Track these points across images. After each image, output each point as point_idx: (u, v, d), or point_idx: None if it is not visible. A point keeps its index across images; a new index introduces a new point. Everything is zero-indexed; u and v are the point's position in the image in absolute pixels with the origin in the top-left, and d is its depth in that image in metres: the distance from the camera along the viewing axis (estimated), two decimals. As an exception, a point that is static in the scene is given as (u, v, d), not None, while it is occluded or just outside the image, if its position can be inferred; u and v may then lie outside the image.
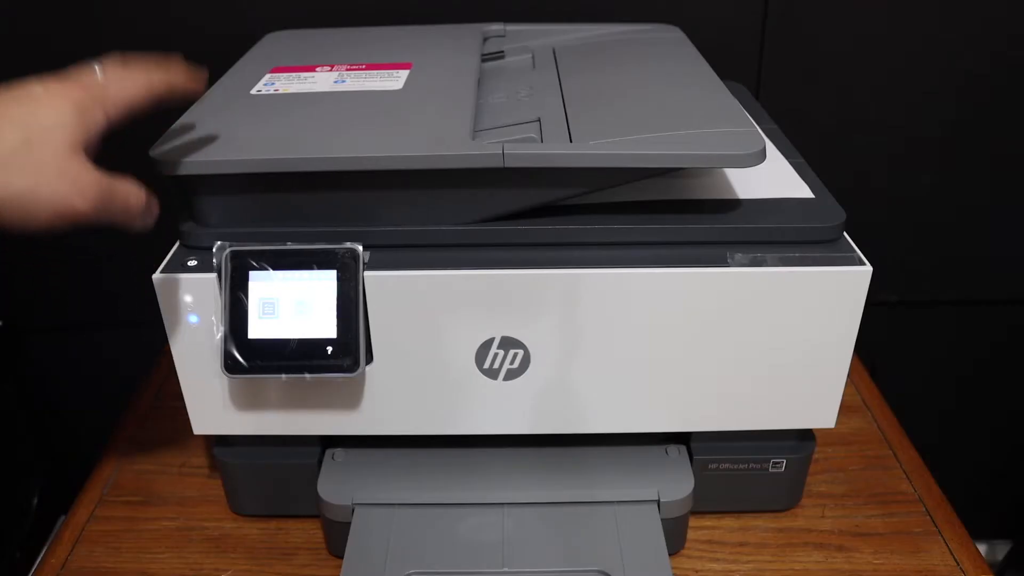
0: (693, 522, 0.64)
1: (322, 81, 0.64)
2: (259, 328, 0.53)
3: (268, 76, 0.65)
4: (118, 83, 0.47)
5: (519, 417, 0.59)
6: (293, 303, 0.53)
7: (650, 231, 0.55)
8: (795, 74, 0.94)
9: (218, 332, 0.54)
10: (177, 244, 0.56)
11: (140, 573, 0.63)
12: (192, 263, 0.54)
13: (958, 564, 0.62)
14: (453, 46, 0.72)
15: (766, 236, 0.55)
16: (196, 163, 0.52)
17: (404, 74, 0.64)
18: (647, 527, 0.59)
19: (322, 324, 0.53)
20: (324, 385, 0.57)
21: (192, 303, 0.54)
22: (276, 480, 0.64)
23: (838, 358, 0.56)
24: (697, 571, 0.62)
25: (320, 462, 0.63)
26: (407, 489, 0.61)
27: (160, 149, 0.53)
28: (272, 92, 0.62)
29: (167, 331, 0.55)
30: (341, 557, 0.58)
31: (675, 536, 0.62)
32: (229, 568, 0.63)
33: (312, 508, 0.62)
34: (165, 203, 0.56)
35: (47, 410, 1.17)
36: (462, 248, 0.55)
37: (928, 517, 0.66)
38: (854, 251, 0.55)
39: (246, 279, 0.53)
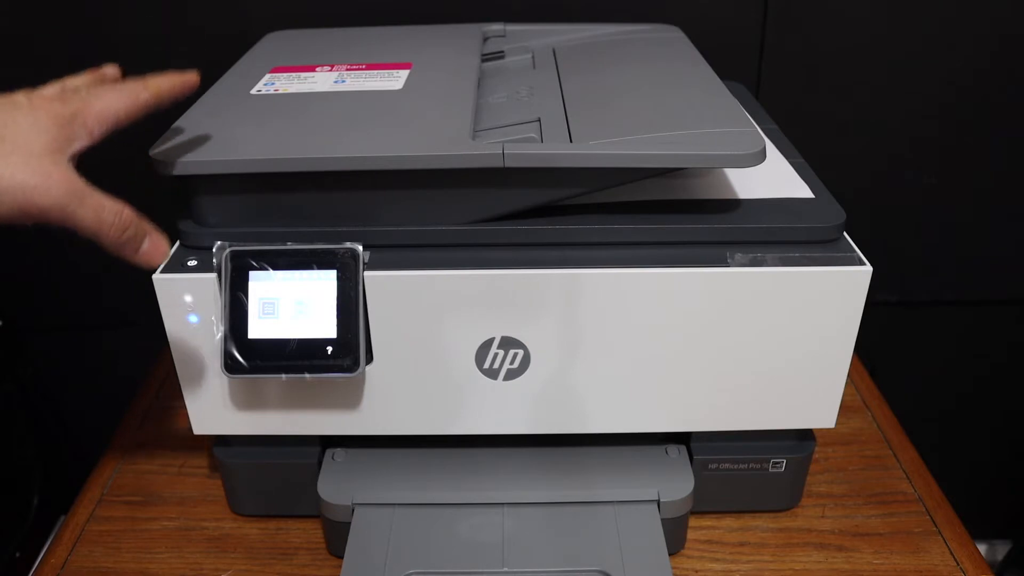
0: (693, 522, 0.64)
1: (322, 81, 0.64)
2: (259, 328, 0.53)
3: (268, 76, 0.65)
4: (101, 100, 0.47)
5: (519, 417, 0.59)
6: (293, 303, 0.53)
7: (650, 231, 0.55)
8: (795, 74, 0.94)
9: (218, 332, 0.54)
10: (177, 244, 0.56)
11: (140, 573, 0.63)
12: (192, 263, 0.54)
13: (958, 564, 0.62)
14: (453, 46, 0.72)
15: (766, 236, 0.55)
16: (196, 163, 0.52)
17: (404, 74, 0.64)
18: (647, 527, 0.59)
19: (322, 324, 0.53)
20: (324, 385, 0.57)
21: (192, 303, 0.54)
22: (276, 480, 0.64)
23: (838, 358, 0.56)
24: (697, 571, 0.62)
25: (320, 462, 0.63)
26: (407, 489, 0.61)
27: (160, 149, 0.53)
28: (272, 92, 0.62)
29: (167, 331, 0.55)
30: (341, 557, 0.58)
31: (675, 536, 0.62)
32: (229, 568, 0.63)
33: (312, 508, 0.62)
34: (165, 203, 0.56)
35: (47, 410, 1.17)
36: (462, 248, 0.55)
37: (928, 517, 0.66)
38: (854, 251, 0.55)
39: (246, 279, 0.53)
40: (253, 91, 0.63)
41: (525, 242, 0.55)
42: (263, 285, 0.53)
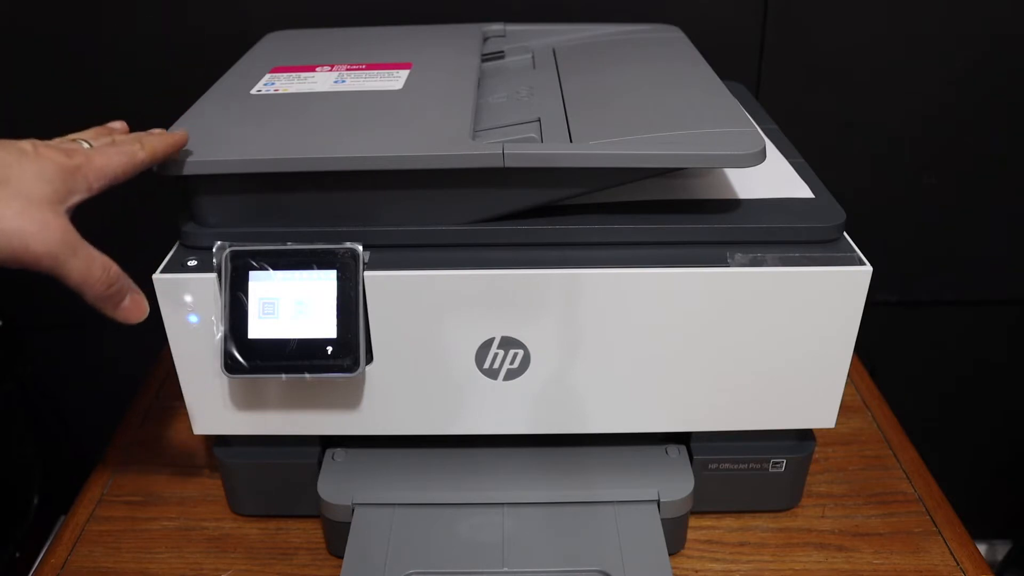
0: (693, 522, 0.64)
1: (322, 81, 0.64)
2: (259, 328, 0.53)
3: (268, 76, 0.65)
4: (103, 156, 0.47)
5: (519, 417, 0.59)
6: (293, 303, 0.53)
7: (650, 231, 0.55)
8: (795, 74, 0.94)
9: (218, 332, 0.54)
10: (177, 244, 0.56)
11: (140, 573, 0.63)
12: (192, 263, 0.54)
13: (958, 564, 0.62)
14: (453, 46, 0.72)
15: (766, 236, 0.55)
16: (196, 163, 0.52)
17: (404, 74, 0.64)
18: (647, 527, 0.59)
19: (322, 324, 0.53)
20: (324, 385, 0.57)
21: (192, 303, 0.54)
22: (276, 480, 0.64)
23: (838, 358, 0.56)
24: (697, 571, 0.62)
25: (320, 462, 0.63)
26: (407, 489, 0.61)
27: (160, 149, 0.53)
28: (272, 92, 0.62)
29: (167, 331, 0.55)
30: (341, 557, 0.58)
31: (675, 536, 0.62)
32: (229, 568, 0.63)
33: (312, 508, 0.62)
34: (165, 203, 0.56)
35: (47, 410, 1.17)
36: (462, 248, 0.55)
37: (928, 517, 0.66)
38: (854, 251, 0.55)
39: (246, 279, 0.53)
40: (253, 91, 0.63)
41: (525, 242, 0.55)
42: (263, 285, 0.53)
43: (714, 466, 0.63)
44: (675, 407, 0.58)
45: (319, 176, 0.53)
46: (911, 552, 0.63)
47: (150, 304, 0.53)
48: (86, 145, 0.48)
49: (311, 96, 0.61)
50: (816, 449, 0.64)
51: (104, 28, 0.90)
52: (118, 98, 0.93)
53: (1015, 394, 1.17)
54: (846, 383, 0.58)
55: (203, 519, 0.67)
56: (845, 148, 0.98)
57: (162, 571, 0.63)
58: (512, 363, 0.56)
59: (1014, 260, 1.06)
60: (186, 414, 0.58)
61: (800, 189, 0.60)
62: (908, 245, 1.05)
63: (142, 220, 0.83)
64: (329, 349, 0.53)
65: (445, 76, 0.65)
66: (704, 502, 0.64)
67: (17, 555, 1.08)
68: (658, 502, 0.60)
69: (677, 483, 0.61)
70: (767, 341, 0.55)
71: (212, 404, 0.58)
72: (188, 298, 0.54)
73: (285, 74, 0.66)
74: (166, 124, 0.56)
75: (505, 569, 0.56)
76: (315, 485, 0.61)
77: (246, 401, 0.58)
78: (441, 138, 0.54)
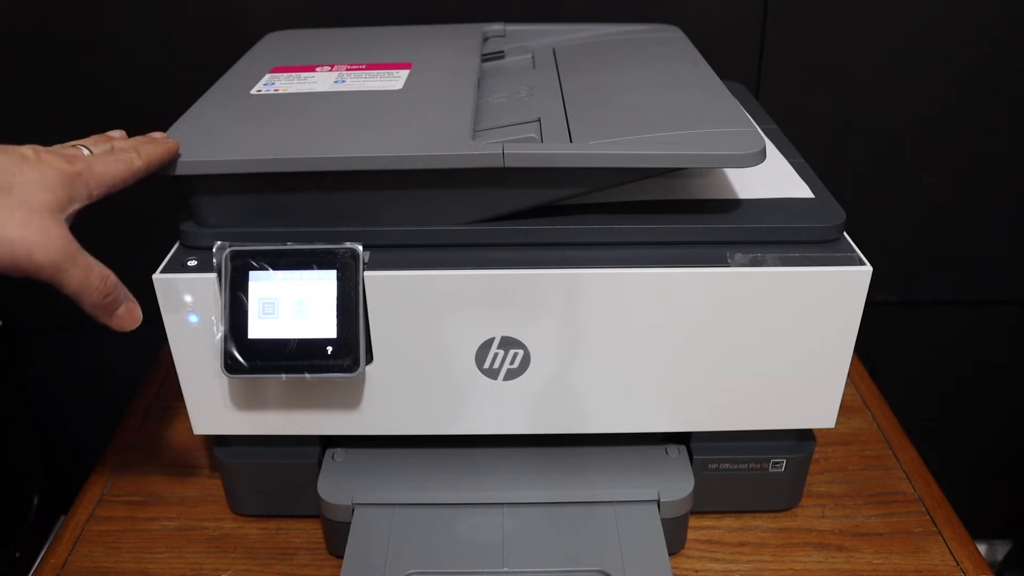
0: (693, 522, 0.64)
1: (322, 81, 0.64)
2: (259, 328, 0.53)
3: (268, 76, 0.65)
4: (103, 164, 0.48)
5: (519, 417, 0.59)
6: (293, 303, 0.53)
7: (650, 231, 0.55)
8: (795, 74, 0.94)
9: (218, 332, 0.54)
10: (177, 244, 0.56)
11: (140, 573, 0.63)
12: (192, 263, 0.54)
13: (958, 564, 0.62)
14: (453, 46, 0.72)
15: (766, 236, 0.55)
16: (196, 163, 0.52)
17: (404, 74, 0.64)
18: (647, 527, 0.59)
19: (322, 324, 0.53)
20: (324, 385, 0.57)
21: (192, 303, 0.54)
22: (276, 480, 0.64)
23: (838, 358, 0.56)
24: (697, 571, 0.62)
25: (320, 462, 0.63)
26: (407, 489, 0.61)
27: (160, 149, 0.53)
28: (272, 92, 0.62)
29: (167, 331, 0.55)
30: (341, 557, 0.58)
31: (675, 536, 0.62)
32: (229, 568, 0.63)
33: (312, 508, 0.62)
34: (165, 203, 0.56)
35: (47, 410, 1.17)
36: (462, 248, 0.55)
37: (928, 517, 0.66)
38: (854, 251, 0.55)
39: (246, 279, 0.53)
40: (253, 91, 0.63)
41: (525, 242, 0.55)
42: (263, 285, 0.53)
43: (714, 466, 0.63)
44: (675, 407, 0.58)
45: (319, 176, 0.53)
46: (911, 552, 0.63)
47: (151, 304, 0.54)
48: (86, 152, 0.48)
49: (311, 96, 0.61)
50: (816, 449, 0.64)
51: (104, 28, 0.90)
52: (118, 98, 0.93)
53: (1015, 394, 1.17)
54: (846, 383, 0.58)
55: (203, 519, 0.67)
56: (845, 148, 0.98)
57: (162, 571, 0.63)
58: (512, 363, 0.56)
59: (1014, 260, 1.07)
60: (186, 414, 0.58)
61: (800, 189, 0.60)
62: (908, 245, 1.05)
63: (142, 220, 0.83)
64: (329, 349, 0.53)
65: (445, 76, 0.65)
66: (704, 502, 0.64)
67: (17, 555, 1.08)
68: (658, 502, 0.60)
69: (677, 483, 0.61)
70: (767, 341, 0.55)
71: (212, 404, 0.58)
72: (188, 298, 0.54)
73: (285, 74, 0.66)
74: (166, 124, 0.56)
75: (505, 569, 0.56)
76: (315, 485, 0.61)
77: (246, 401, 0.58)
78: (441, 138, 0.54)
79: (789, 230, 0.55)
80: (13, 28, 0.89)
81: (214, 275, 0.53)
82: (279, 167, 0.52)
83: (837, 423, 0.59)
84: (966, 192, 1.02)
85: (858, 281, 0.53)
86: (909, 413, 0.84)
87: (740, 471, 0.63)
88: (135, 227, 0.81)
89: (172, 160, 0.52)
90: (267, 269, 0.53)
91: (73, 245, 0.45)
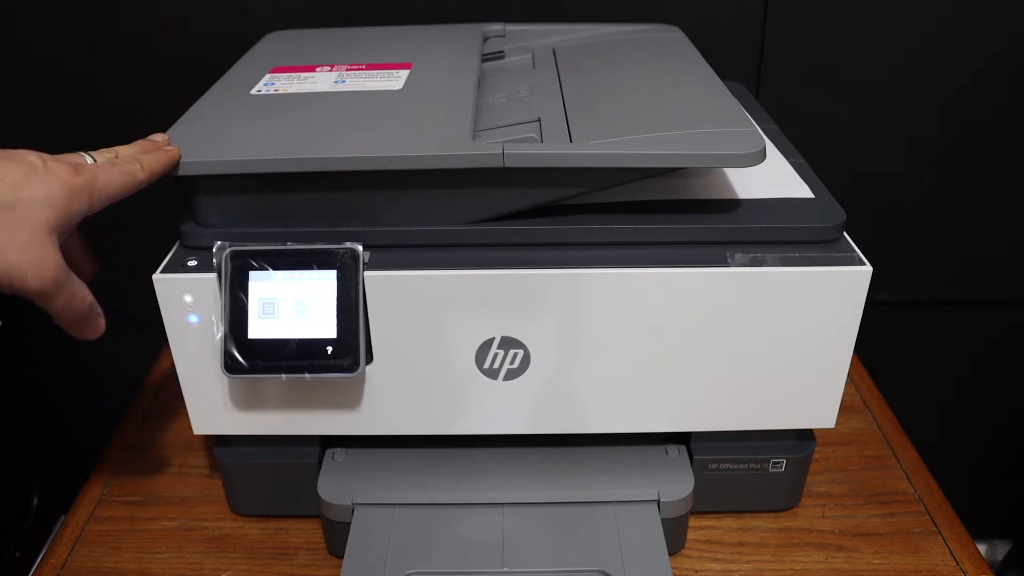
0: (693, 522, 0.64)
1: (322, 81, 0.64)
2: (259, 328, 0.53)
3: (268, 76, 0.65)
4: (107, 175, 0.48)
5: (519, 417, 0.59)
6: (293, 303, 0.53)
7: (650, 231, 0.55)
8: (795, 74, 0.94)
9: (218, 332, 0.54)
10: (177, 244, 0.56)
11: (140, 573, 0.63)
12: (192, 263, 0.54)
13: (958, 564, 0.62)
14: (453, 46, 0.72)
15: (766, 236, 0.55)
16: (196, 163, 0.52)
17: (404, 74, 0.64)
18: (647, 527, 0.59)
19: (322, 324, 0.53)
20: (324, 385, 0.57)
21: (192, 303, 0.54)
22: (276, 480, 0.64)
23: (838, 358, 0.56)
24: (697, 571, 0.62)
25: (320, 462, 0.63)
26: (407, 489, 0.61)
27: (160, 149, 0.53)
28: (272, 92, 0.62)
29: (167, 331, 0.55)
30: (341, 557, 0.58)
31: (675, 536, 0.62)
32: (229, 568, 0.63)
33: (312, 508, 0.62)
34: (165, 203, 0.56)
35: (47, 410, 1.17)
36: (462, 248, 0.55)
37: (928, 517, 0.66)
38: (854, 251, 0.55)
39: (246, 279, 0.53)
40: (253, 91, 0.63)
41: (525, 242, 0.55)
42: (263, 285, 0.53)
43: (714, 466, 0.63)
44: (675, 407, 0.58)
45: (319, 176, 0.53)
46: (911, 552, 0.63)
47: (151, 304, 0.54)
48: (90, 160, 0.49)
49: (311, 96, 0.61)
50: (816, 449, 0.64)
51: (104, 28, 0.90)
52: (118, 98, 0.93)
53: (1015, 394, 1.17)
54: (846, 383, 0.58)
55: (203, 519, 0.67)
56: (845, 148, 0.98)
57: (162, 571, 0.63)
58: (512, 363, 0.56)
59: (1014, 260, 1.06)
60: (186, 414, 0.58)
61: (800, 189, 0.60)
62: (908, 245, 1.05)
63: (142, 220, 0.83)
64: (329, 349, 0.53)
65: (445, 76, 0.65)
66: (704, 502, 0.64)
67: (17, 555, 1.08)
68: (658, 502, 0.60)
69: (677, 483, 0.61)
70: (767, 341, 0.55)
71: (212, 404, 0.58)
72: (188, 298, 0.54)
73: (285, 74, 0.66)
74: (166, 124, 0.56)
75: (505, 569, 0.56)
76: (315, 485, 0.61)
77: (246, 401, 0.58)
78: (441, 138, 0.54)
79: (789, 230, 0.55)
80: (13, 29, 0.89)
81: (214, 275, 0.53)
82: (279, 167, 0.52)
83: (837, 423, 0.59)
84: (966, 192, 1.02)
85: (858, 281, 0.53)
86: (909, 413, 0.84)
87: (740, 471, 0.63)
88: (135, 227, 0.81)
89: (174, 168, 0.52)
90: (267, 269, 0.53)
91: (63, 273, 0.46)
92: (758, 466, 0.63)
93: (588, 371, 0.56)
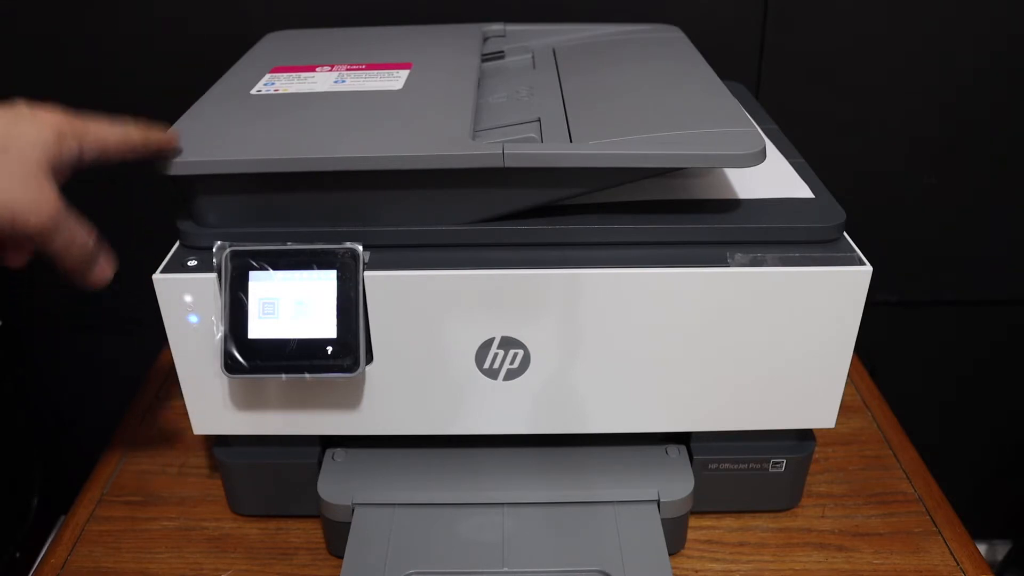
0: (693, 522, 0.64)
1: (322, 81, 0.64)
2: (259, 328, 0.53)
3: (268, 76, 0.65)
4: (99, 125, 0.49)
5: (519, 417, 0.59)
6: (293, 303, 0.53)
7: (650, 231, 0.55)
8: (795, 74, 0.94)
9: (218, 332, 0.54)
10: (177, 244, 0.56)
11: (140, 573, 0.63)
12: (192, 263, 0.54)
13: (958, 564, 0.62)
14: (453, 46, 0.72)
15: (766, 236, 0.55)
16: (195, 163, 0.52)
17: (404, 74, 0.64)
18: (647, 527, 0.59)
19: (322, 324, 0.53)
20: (324, 385, 0.57)
21: (192, 303, 0.54)
22: (276, 480, 0.64)
23: (838, 358, 0.56)
24: (697, 571, 0.62)
25: (320, 462, 0.63)
26: (407, 489, 0.61)
27: (160, 149, 0.53)
28: (272, 92, 0.62)
29: (167, 331, 0.55)
30: (341, 557, 0.58)
31: (675, 536, 0.62)
32: (229, 568, 0.63)
33: (312, 508, 0.62)
34: (165, 203, 0.56)
35: (47, 410, 1.17)
36: (462, 248, 0.55)
37: (928, 517, 0.66)
38: (854, 251, 0.55)
39: (246, 279, 0.53)
40: (253, 91, 0.63)
41: (525, 242, 0.55)
42: (263, 285, 0.53)
43: (714, 466, 0.63)
44: (675, 407, 0.58)
45: (319, 176, 0.53)
46: (911, 552, 0.63)
47: (151, 304, 0.54)
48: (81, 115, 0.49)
49: (311, 96, 0.61)
50: (816, 449, 0.64)
51: (104, 28, 0.90)
52: (118, 98, 0.92)
53: (1015, 394, 1.17)
54: (846, 383, 0.58)
55: (203, 519, 0.67)
56: (845, 148, 0.98)
57: (162, 571, 0.63)
58: (512, 363, 0.56)
59: (1014, 260, 1.07)
60: (186, 414, 0.58)
61: (800, 189, 0.60)
62: (908, 245, 1.05)
63: (142, 220, 0.83)
64: (329, 349, 0.53)
65: (445, 76, 0.65)
66: (704, 502, 0.64)
67: (17, 555, 1.08)
68: (658, 502, 0.60)
69: (677, 483, 0.61)
70: (767, 341, 0.55)
71: (212, 404, 0.58)
72: (188, 298, 0.54)
73: (285, 74, 0.66)
74: (166, 125, 0.56)
75: (505, 569, 0.56)
76: (315, 485, 0.61)
77: (246, 401, 0.58)
78: (441, 138, 0.54)
79: (789, 230, 0.55)
80: (13, 28, 0.89)
81: (214, 275, 0.53)
82: (279, 167, 0.52)
83: (837, 423, 0.59)
84: (966, 192, 1.02)
85: (858, 281, 0.53)
86: (909, 413, 0.84)
87: (740, 471, 0.63)
88: (135, 227, 0.81)
89: (170, 150, 0.52)
90: (267, 269, 0.53)
91: (61, 211, 0.46)
92: (758, 466, 0.63)
93: (588, 371, 0.56)
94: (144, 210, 0.83)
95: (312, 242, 0.53)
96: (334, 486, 0.61)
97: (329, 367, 0.53)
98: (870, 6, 0.91)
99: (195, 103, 0.61)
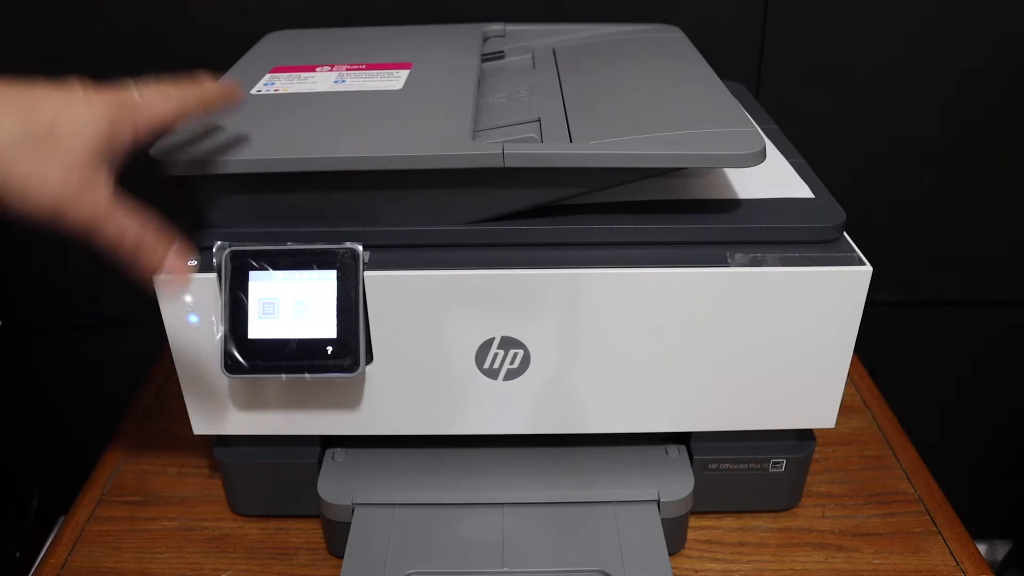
0: (693, 522, 0.64)
1: (322, 81, 0.64)
2: (259, 328, 0.53)
3: (268, 76, 0.65)
4: (152, 104, 0.47)
5: (519, 417, 0.59)
6: (293, 303, 0.53)
7: (650, 231, 0.55)
8: (795, 74, 0.94)
9: (218, 332, 0.54)
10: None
11: (140, 573, 0.63)
12: (192, 263, 0.54)
13: (958, 564, 0.62)
14: (453, 46, 0.72)
15: (766, 236, 0.55)
16: (196, 163, 0.52)
17: (404, 74, 0.64)
18: (647, 527, 0.59)
19: (322, 324, 0.53)
20: (324, 385, 0.57)
21: (192, 303, 0.54)
22: (276, 480, 0.64)
23: (838, 358, 0.56)
24: (697, 571, 0.62)
25: (320, 462, 0.63)
26: (407, 489, 0.61)
27: (160, 149, 0.53)
28: (272, 92, 0.62)
29: (167, 331, 0.55)
30: (341, 557, 0.58)
31: (675, 536, 0.62)
32: (229, 568, 0.63)
33: (312, 508, 0.62)
34: (165, 203, 0.56)
35: (47, 410, 1.17)
36: (462, 248, 0.55)
37: (928, 517, 0.66)
38: (854, 251, 0.55)
39: (246, 279, 0.53)
40: (253, 91, 0.63)
41: (525, 242, 0.55)
42: (263, 285, 0.53)
43: (714, 466, 0.63)
44: (675, 407, 0.58)
45: (319, 176, 0.53)
46: (911, 552, 0.63)
47: (151, 304, 0.54)
48: (136, 94, 0.47)
49: (311, 96, 0.61)
50: (816, 449, 0.64)
51: (104, 28, 0.90)
52: (118, 98, 0.93)
53: (1015, 394, 1.17)
54: (846, 383, 0.58)
55: (203, 519, 0.67)
56: (845, 148, 0.98)
57: (162, 571, 0.63)
58: (512, 363, 0.56)
59: (1014, 260, 1.07)
60: (186, 414, 0.58)
61: (800, 189, 0.60)
62: (908, 245, 1.05)
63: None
64: (329, 349, 0.53)
65: (445, 76, 0.65)
66: (704, 502, 0.64)
67: (17, 555, 1.08)
68: (658, 502, 0.60)
69: (677, 483, 0.61)
70: (767, 341, 0.55)
71: (212, 404, 0.58)
72: (188, 298, 0.54)
73: (285, 74, 0.66)
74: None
75: (505, 569, 0.56)
76: (315, 485, 0.61)
77: (246, 401, 0.58)
78: (441, 138, 0.54)
79: (789, 230, 0.55)
80: (13, 28, 0.89)
81: (214, 275, 0.53)
82: (279, 167, 0.52)
83: (837, 423, 0.59)
84: (966, 192, 1.02)
85: (858, 281, 0.53)
86: (909, 413, 0.84)
87: (740, 471, 0.63)
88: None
89: (235, 101, 0.51)
90: (267, 269, 0.53)
91: (109, 203, 0.44)
92: (758, 466, 0.63)
93: (588, 371, 0.56)
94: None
95: (312, 242, 0.53)
96: (334, 486, 0.61)
97: (329, 367, 0.53)
98: (870, 6, 0.91)
99: (195, 103, 0.61)
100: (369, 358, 0.55)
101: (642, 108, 0.58)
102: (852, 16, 0.91)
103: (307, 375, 0.53)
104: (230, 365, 0.53)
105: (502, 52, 0.77)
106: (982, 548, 1.26)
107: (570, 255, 0.54)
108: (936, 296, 1.09)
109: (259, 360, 0.53)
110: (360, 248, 0.53)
